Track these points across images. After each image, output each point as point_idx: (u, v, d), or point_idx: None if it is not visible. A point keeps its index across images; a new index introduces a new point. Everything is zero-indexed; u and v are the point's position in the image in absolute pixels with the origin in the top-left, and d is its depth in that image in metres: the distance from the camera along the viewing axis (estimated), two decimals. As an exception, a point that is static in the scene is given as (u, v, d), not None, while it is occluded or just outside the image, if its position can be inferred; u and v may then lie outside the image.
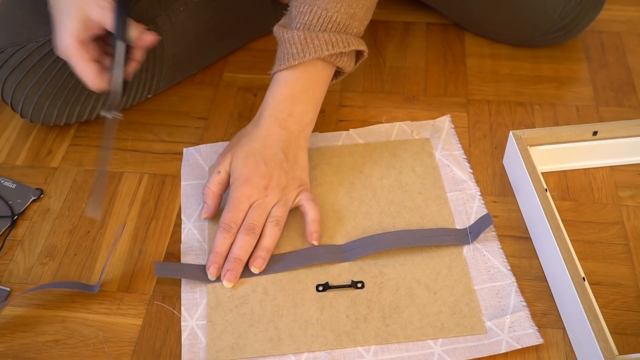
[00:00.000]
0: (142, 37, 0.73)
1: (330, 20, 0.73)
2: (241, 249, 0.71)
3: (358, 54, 0.80)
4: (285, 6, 0.99)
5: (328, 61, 0.76)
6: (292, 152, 0.75)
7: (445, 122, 0.88)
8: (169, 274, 0.72)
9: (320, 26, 0.74)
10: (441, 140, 0.86)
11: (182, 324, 0.69)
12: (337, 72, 0.80)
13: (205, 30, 0.92)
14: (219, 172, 0.75)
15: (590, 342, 0.63)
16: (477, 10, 0.96)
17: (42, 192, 0.82)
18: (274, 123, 0.75)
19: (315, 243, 0.74)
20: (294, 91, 0.76)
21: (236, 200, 0.72)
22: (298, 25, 0.75)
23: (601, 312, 0.67)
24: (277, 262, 0.73)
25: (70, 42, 0.70)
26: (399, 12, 1.06)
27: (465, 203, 0.79)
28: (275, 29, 0.78)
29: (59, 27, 0.71)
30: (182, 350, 0.67)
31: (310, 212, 0.74)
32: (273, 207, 0.73)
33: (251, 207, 0.73)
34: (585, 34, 1.01)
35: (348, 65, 0.78)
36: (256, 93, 0.94)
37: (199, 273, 0.72)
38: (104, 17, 0.70)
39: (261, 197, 0.73)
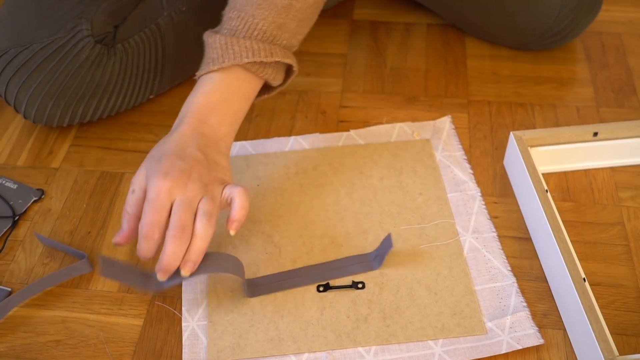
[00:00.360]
0: None
1: (256, 28, 0.70)
2: (172, 256, 0.63)
3: (289, 68, 0.76)
4: None
5: (250, 71, 0.71)
6: (212, 155, 0.68)
7: (445, 122, 0.88)
8: (114, 276, 0.66)
9: (245, 33, 0.70)
10: (442, 141, 0.86)
11: (183, 324, 0.69)
12: (269, 86, 0.76)
13: (207, 29, 0.92)
14: (133, 190, 0.66)
15: (590, 343, 0.63)
16: (473, 14, 0.96)
17: (43, 192, 0.82)
18: (188, 129, 0.69)
19: (232, 233, 0.66)
20: (210, 101, 0.70)
21: (154, 198, 0.63)
22: (225, 31, 0.71)
23: (602, 312, 0.67)
24: (208, 263, 0.66)
25: None
26: (400, 13, 1.06)
27: (466, 204, 0.79)
28: (205, 33, 0.73)
29: None
30: (183, 350, 0.67)
31: (239, 198, 0.66)
32: (200, 202, 0.65)
33: (174, 205, 0.64)
34: (585, 35, 1.01)
35: (274, 78, 0.73)
36: (257, 94, 0.94)
37: (142, 279, 0.67)
38: None
39: (183, 192, 0.64)
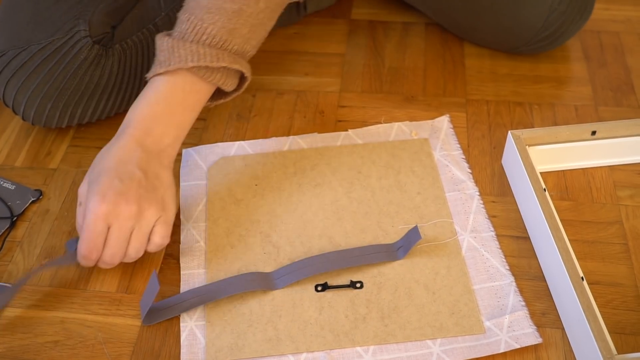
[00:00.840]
0: None
1: (204, 32, 0.69)
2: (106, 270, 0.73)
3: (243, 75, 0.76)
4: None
5: (198, 76, 0.71)
6: (153, 170, 0.70)
7: (444, 122, 0.88)
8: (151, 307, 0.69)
9: (194, 37, 0.70)
10: (440, 140, 0.86)
11: (181, 324, 0.69)
12: (223, 91, 0.76)
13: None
14: (80, 203, 0.70)
15: (588, 342, 0.63)
16: (462, 17, 0.96)
17: (41, 193, 0.82)
18: (130, 140, 0.70)
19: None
20: (154, 112, 0.71)
21: (91, 224, 0.66)
22: (175, 34, 0.71)
23: (600, 311, 0.67)
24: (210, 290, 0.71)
25: None
26: (398, 12, 1.06)
27: (464, 203, 0.79)
28: (157, 35, 0.73)
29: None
30: (181, 350, 0.67)
31: (155, 236, 0.70)
32: (132, 234, 0.68)
33: (109, 232, 0.67)
34: (584, 34, 1.01)
35: (224, 83, 0.73)
36: (255, 94, 0.94)
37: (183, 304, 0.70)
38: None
39: (117, 220, 0.67)
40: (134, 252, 0.70)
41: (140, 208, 0.68)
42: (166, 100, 0.71)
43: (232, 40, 0.71)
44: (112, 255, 0.69)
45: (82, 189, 0.70)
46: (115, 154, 0.69)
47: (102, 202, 0.66)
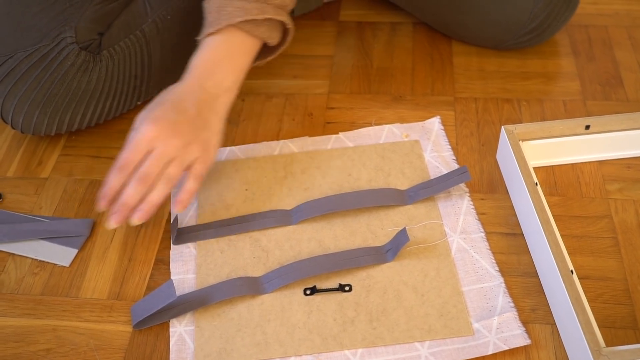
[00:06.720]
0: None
1: None
2: (130, 197, 0.71)
3: (286, 30, 0.80)
4: None
5: (244, 30, 0.76)
6: (205, 114, 0.75)
7: (434, 123, 0.88)
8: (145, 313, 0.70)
9: None
10: (430, 141, 0.86)
11: (171, 329, 0.69)
12: (271, 50, 0.81)
13: (192, 35, 0.93)
14: (133, 129, 0.74)
15: (577, 335, 0.63)
16: (448, 14, 0.96)
17: (1, 195, 0.83)
18: (193, 82, 0.76)
19: (179, 210, 0.74)
20: (214, 57, 0.77)
21: (137, 141, 0.71)
22: None
23: (590, 305, 0.67)
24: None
25: None
26: (386, 13, 1.06)
27: (455, 204, 0.79)
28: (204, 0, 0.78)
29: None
30: (170, 356, 0.67)
31: (188, 182, 0.74)
32: (171, 163, 0.72)
33: (150, 154, 0.71)
34: (572, 28, 1.01)
35: (269, 36, 0.78)
36: (244, 98, 0.94)
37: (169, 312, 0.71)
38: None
39: (162, 145, 0.71)
40: (167, 178, 0.71)
41: (185, 141, 0.72)
42: (224, 45, 0.76)
43: None
44: (144, 176, 0.70)
45: (139, 115, 0.74)
46: (177, 90, 0.75)
47: (153, 126, 0.71)
